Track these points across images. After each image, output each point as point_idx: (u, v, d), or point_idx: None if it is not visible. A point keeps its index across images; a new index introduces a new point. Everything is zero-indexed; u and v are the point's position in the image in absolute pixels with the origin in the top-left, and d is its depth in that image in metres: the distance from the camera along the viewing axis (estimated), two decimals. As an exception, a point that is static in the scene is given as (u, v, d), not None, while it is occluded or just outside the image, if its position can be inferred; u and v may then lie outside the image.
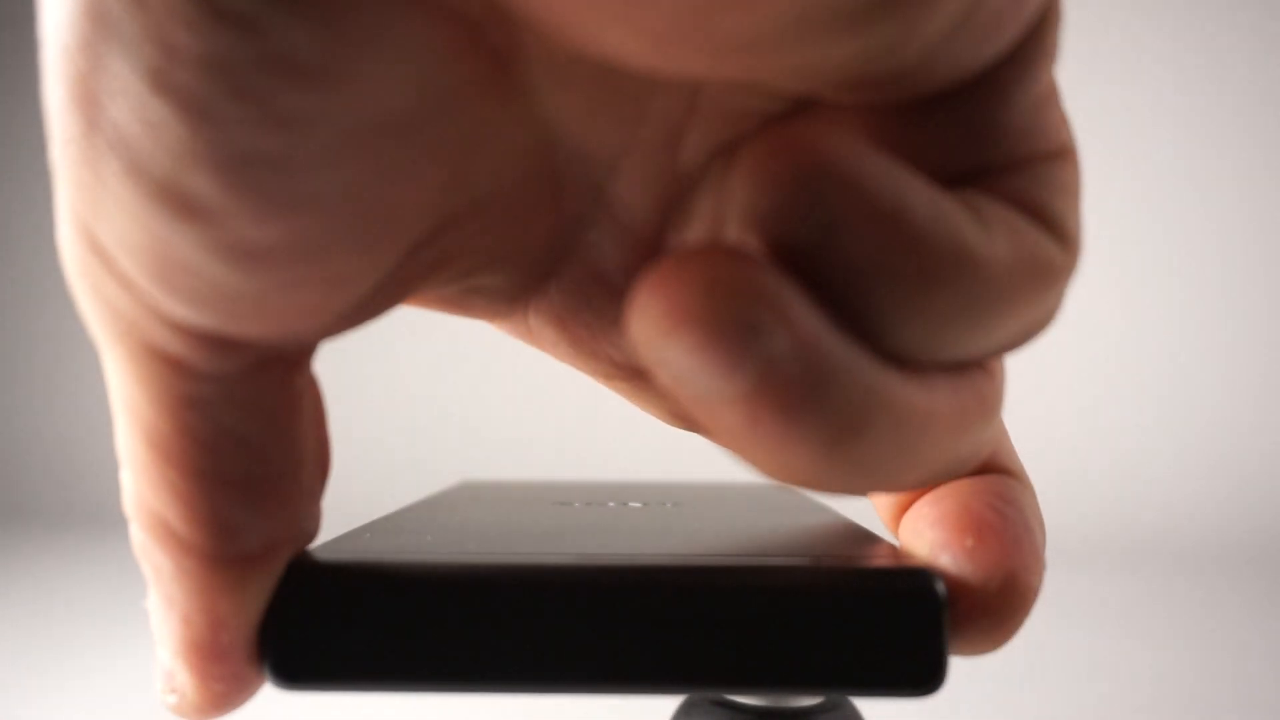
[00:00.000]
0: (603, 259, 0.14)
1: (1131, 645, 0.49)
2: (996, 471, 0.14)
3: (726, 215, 0.13)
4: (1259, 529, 0.88)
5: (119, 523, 0.94)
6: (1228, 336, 1.01)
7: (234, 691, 0.12)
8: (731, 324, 0.09)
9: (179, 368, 0.11)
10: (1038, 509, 0.14)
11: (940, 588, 0.12)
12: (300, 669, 0.12)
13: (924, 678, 0.12)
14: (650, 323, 0.09)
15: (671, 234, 0.14)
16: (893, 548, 0.15)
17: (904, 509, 0.14)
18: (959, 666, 0.46)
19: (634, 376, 0.15)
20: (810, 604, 0.12)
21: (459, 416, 1.12)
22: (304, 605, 0.12)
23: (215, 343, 0.11)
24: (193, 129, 0.09)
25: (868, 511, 0.15)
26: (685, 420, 0.16)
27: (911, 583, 0.12)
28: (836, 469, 0.10)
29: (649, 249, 0.14)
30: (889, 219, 0.10)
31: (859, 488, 0.11)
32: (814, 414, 0.10)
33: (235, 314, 0.11)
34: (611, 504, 0.21)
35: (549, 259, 0.14)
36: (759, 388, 0.09)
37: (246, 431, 0.12)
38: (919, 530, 0.13)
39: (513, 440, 1.09)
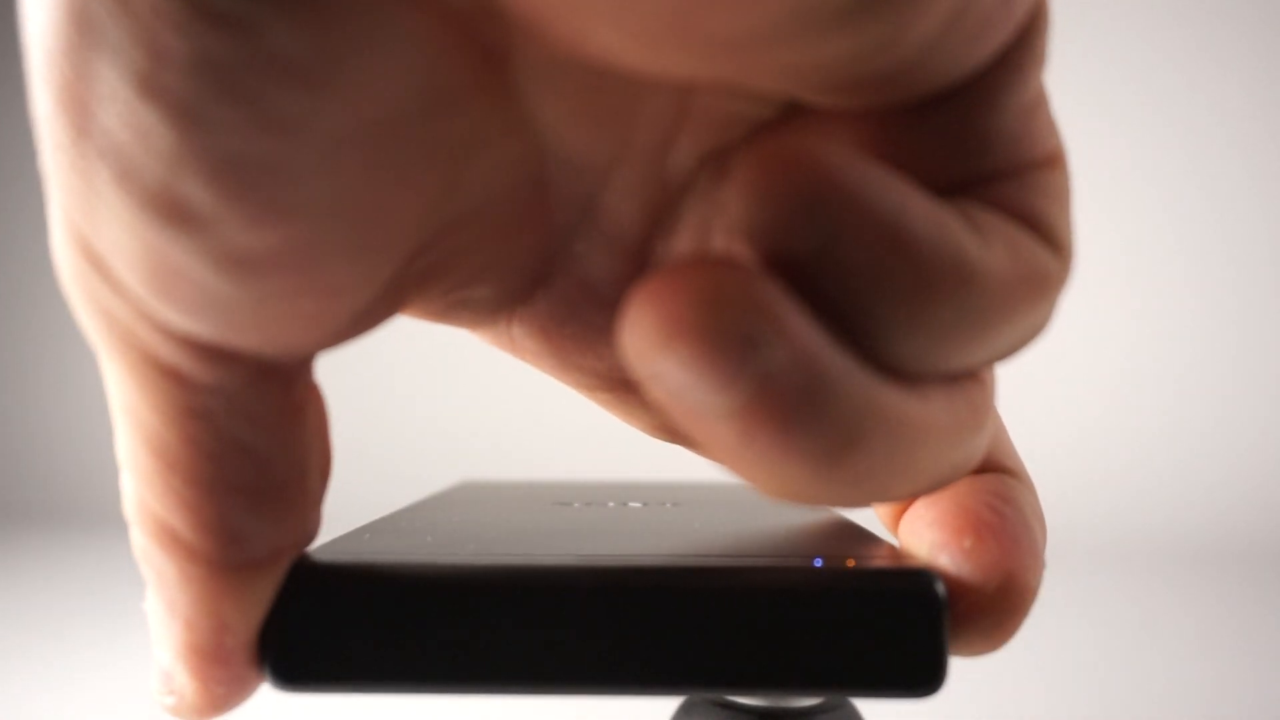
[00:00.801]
0: (590, 269, 0.14)
1: (1132, 645, 0.49)
2: (996, 470, 0.14)
3: (715, 224, 0.13)
4: (1259, 529, 0.88)
5: (119, 523, 0.93)
6: (1226, 336, 1.01)
7: (234, 693, 0.12)
8: (727, 336, 0.09)
9: (180, 379, 0.11)
10: (1038, 507, 0.14)
11: (940, 588, 0.12)
12: (300, 670, 0.12)
13: (924, 678, 0.12)
14: (643, 335, 0.09)
15: (659, 243, 0.14)
16: (893, 548, 0.15)
17: (903, 510, 0.14)
18: (959, 666, 0.46)
19: (618, 388, 0.15)
20: (810, 604, 0.12)
21: (459, 416, 1.12)
22: (304, 606, 0.12)
23: (215, 354, 0.11)
24: (183, 134, 0.09)
25: (868, 512, 0.15)
26: (670, 433, 0.16)
27: (911, 583, 0.12)
28: (833, 483, 0.10)
29: (636, 259, 0.14)
30: (888, 231, 0.10)
31: (854, 501, 0.11)
32: (811, 428, 0.09)
33: (232, 324, 0.11)
34: (611, 504, 0.21)
35: (536, 270, 0.14)
36: (755, 401, 0.09)
37: (251, 441, 0.12)
38: (917, 531, 0.13)
39: (513, 440, 1.09)
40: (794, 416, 0.09)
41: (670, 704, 0.17)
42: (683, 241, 0.13)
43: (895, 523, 0.15)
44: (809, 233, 0.10)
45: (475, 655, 0.12)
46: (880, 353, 0.10)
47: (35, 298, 1.21)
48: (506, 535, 0.16)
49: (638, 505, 0.21)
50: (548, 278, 0.14)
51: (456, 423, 1.12)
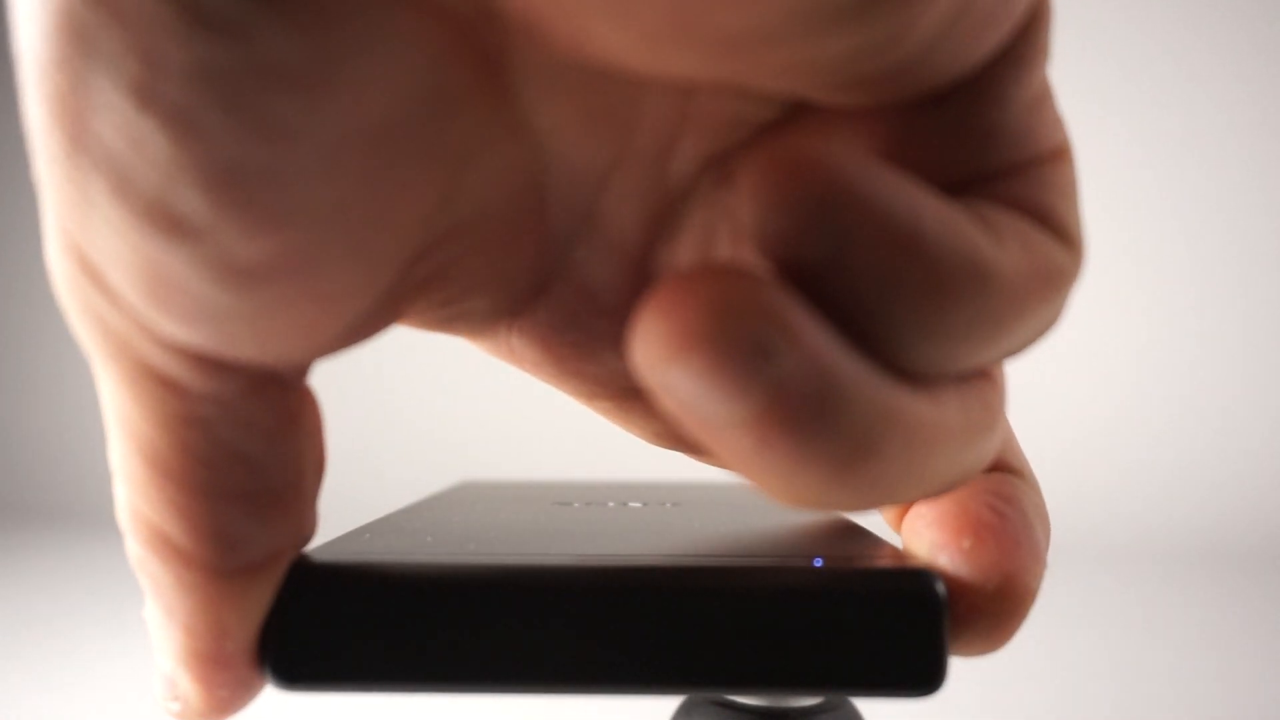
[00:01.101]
0: (590, 276, 0.14)
1: (1133, 646, 0.49)
2: (1001, 469, 0.14)
3: (719, 229, 0.13)
4: (1259, 529, 0.88)
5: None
6: (1231, 337, 1.01)
7: (238, 696, 0.12)
8: (739, 345, 0.09)
9: (175, 388, 0.11)
10: (1042, 506, 0.14)
11: (940, 588, 0.12)
12: (300, 670, 0.12)
13: (924, 678, 0.12)
14: (654, 347, 0.09)
15: (660, 249, 0.14)
16: (893, 548, 0.15)
17: (907, 508, 0.14)
18: (959, 666, 0.46)
19: (619, 396, 0.15)
20: (810, 604, 0.12)
21: (459, 416, 1.12)
22: (304, 606, 0.12)
23: (212, 364, 0.11)
24: (180, 143, 0.09)
25: (870, 512, 0.15)
26: (672, 440, 0.16)
27: (912, 583, 0.12)
28: (848, 489, 0.10)
29: (637, 265, 0.14)
30: (901, 234, 0.10)
31: (868, 505, 0.11)
32: (826, 435, 0.09)
33: (229, 334, 0.11)
34: (611, 504, 0.21)
35: (535, 279, 0.14)
36: (769, 410, 0.09)
37: (247, 448, 0.12)
38: (917, 530, 0.13)
39: (513, 440, 1.09)
40: (809, 424, 0.09)
41: (670, 704, 0.17)
42: (685, 247, 0.13)
43: (899, 522, 0.14)
44: (820, 239, 0.09)
45: (475, 654, 0.12)
46: (894, 356, 0.10)
47: (34, 299, 1.21)
48: (507, 535, 0.16)
49: (638, 505, 0.21)
50: (547, 286, 0.14)
51: (456, 423, 1.12)
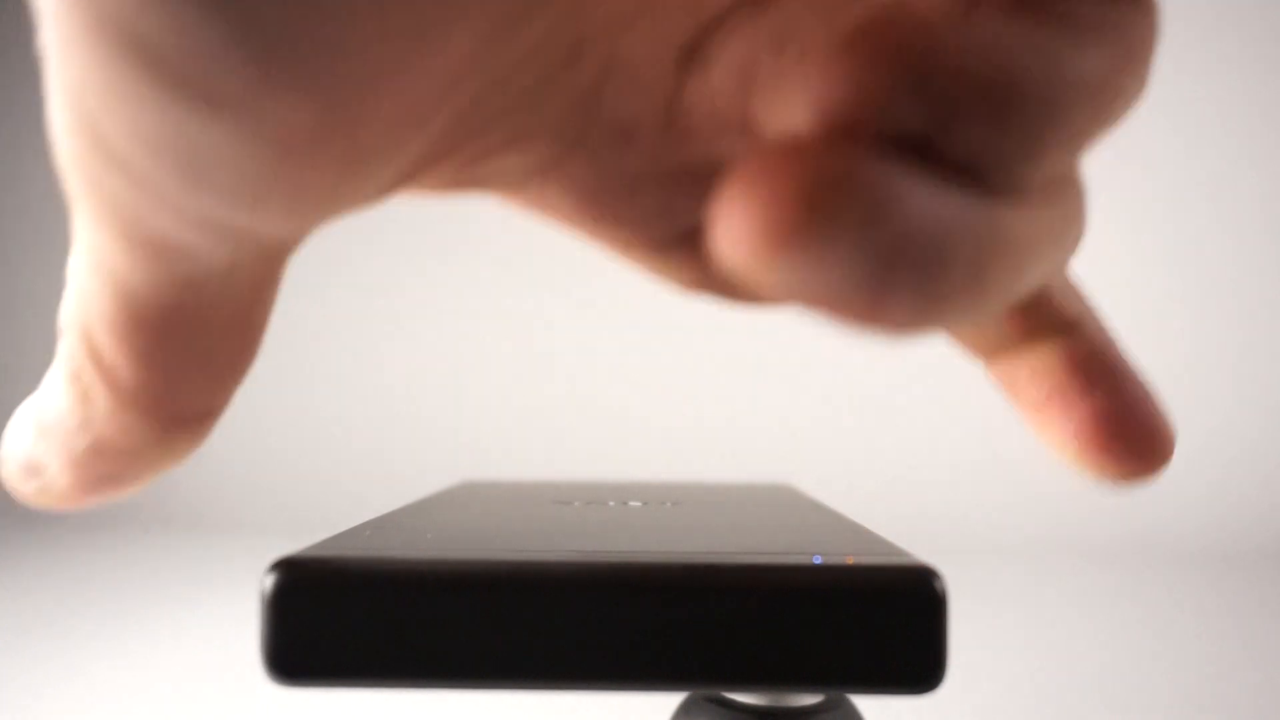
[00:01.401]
0: (622, 119, 0.14)
1: (1133, 645, 0.49)
2: (1056, 317, 0.14)
3: (758, 55, 0.13)
4: (1260, 529, 0.88)
5: (121, 523, 0.94)
6: (1229, 336, 1.01)
7: (105, 498, 0.13)
8: (843, 223, 0.09)
9: (186, 254, 0.11)
10: (1110, 336, 0.14)
11: (940, 586, 0.12)
12: (300, 665, 0.12)
13: (923, 676, 0.12)
14: (751, 246, 0.09)
15: (695, 80, 0.13)
16: (893, 545, 0.15)
17: (997, 347, 0.14)
18: (959, 666, 0.47)
19: (656, 244, 0.15)
20: (810, 602, 0.12)
21: (459, 416, 1.12)
22: (304, 601, 0.12)
23: (232, 233, 0.11)
24: (214, 18, 0.09)
25: (870, 511, 0.15)
26: (709, 288, 0.15)
27: (911, 581, 0.12)
28: (965, 315, 0.10)
29: (670, 100, 0.14)
30: (1004, 83, 0.09)
31: (980, 321, 0.11)
32: (942, 281, 0.09)
33: (263, 205, 0.10)
34: (611, 503, 0.21)
35: (568, 130, 0.14)
36: (886, 273, 0.09)
37: (228, 313, 0.12)
38: (1059, 430, 0.14)
39: (513, 440, 1.09)
40: (926, 279, 0.09)
41: (670, 703, 0.17)
42: (720, 77, 0.13)
43: (987, 353, 0.14)
44: (920, 116, 0.09)
45: (475, 651, 0.12)
46: (995, 182, 0.10)
47: (35, 299, 1.21)
48: (507, 533, 0.16)
49: (637, 505, 0.21)
50: (580, 135, 0.14)
51: (456, 423, 1.12)
